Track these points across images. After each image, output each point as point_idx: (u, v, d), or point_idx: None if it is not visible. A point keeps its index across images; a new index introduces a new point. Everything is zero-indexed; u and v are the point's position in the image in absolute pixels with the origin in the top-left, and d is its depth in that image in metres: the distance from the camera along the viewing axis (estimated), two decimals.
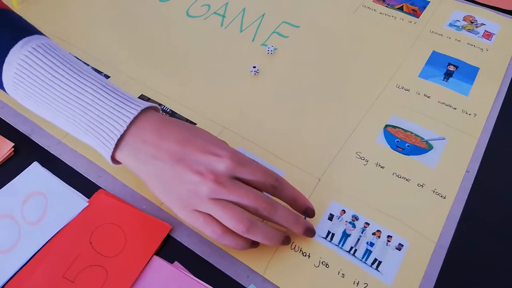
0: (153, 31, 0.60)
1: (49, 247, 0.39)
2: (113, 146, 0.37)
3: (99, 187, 0.43)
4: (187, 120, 0.49)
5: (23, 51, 0.38)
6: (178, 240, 0.40)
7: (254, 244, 0.37)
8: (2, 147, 0.45)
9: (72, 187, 0.43)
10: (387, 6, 0.64)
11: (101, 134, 0.37)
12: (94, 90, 0.38)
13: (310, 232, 0.38)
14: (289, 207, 0.39)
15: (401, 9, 0.64)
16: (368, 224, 0.40)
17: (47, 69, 0.38)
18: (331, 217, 0.41)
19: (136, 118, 0.37)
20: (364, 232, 0.40)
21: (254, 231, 0.35)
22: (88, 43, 0.57)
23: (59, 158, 0.45)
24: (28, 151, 0.46)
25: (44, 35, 0.41)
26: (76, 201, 0.41)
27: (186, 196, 0.35)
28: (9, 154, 0.45)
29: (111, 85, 0.39)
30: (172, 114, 0.49)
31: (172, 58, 0.56)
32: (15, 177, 0.43)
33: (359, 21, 0.61)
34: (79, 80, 0.38)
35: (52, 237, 0.39)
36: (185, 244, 0.40)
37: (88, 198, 0.42)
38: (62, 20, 0.61)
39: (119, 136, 0.37)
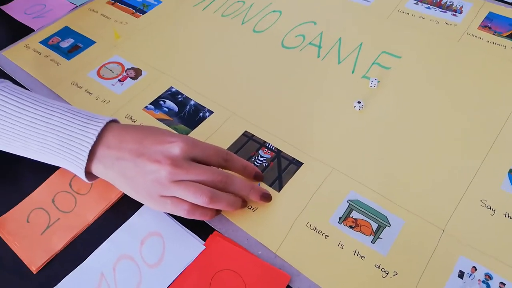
0: (250, 64, 0.59)
1: None
2: (86, 158, 0.40)
3: (213, 229, 0.43)
4: (294, 159, 0.48)
5: None
6: None
7: (218, 212, 0.42)
8: None
9: (185, 227, 0.43)
10: (494, 34, 0.60)
11: (74, 150, 0.41)
12: (61, 113, 0.42)
13: (266, 197, 0.43)
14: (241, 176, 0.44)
15: (510, 37, 0.60)
16: (504, 284, 0.37)
17: (14, 103, 0.42)
18: (461, 275, 0.38)
19: (101, 131, 0.41)
20: None
21: (217, 200, 0.40)
22: (186, 76, 0.58)
23: None
24: None
25: (5, 79, 0.45)
26: (193, 244, 0.41)
27: (151, 186, 0.39)
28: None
29: (75, 108, 0.43)
30: (278, 152, 0.49)
31: (271, 92, 0.55)
32: (131, 215, 0.44)
33: (466, 51, 0.58)
34: (45, 108, 0.42)
35: (173, 282, 0.39)
36: None
37: (202, 240, 0.42)
38: (160, 53, 0.62)
39: (90, 148, 0.40)
